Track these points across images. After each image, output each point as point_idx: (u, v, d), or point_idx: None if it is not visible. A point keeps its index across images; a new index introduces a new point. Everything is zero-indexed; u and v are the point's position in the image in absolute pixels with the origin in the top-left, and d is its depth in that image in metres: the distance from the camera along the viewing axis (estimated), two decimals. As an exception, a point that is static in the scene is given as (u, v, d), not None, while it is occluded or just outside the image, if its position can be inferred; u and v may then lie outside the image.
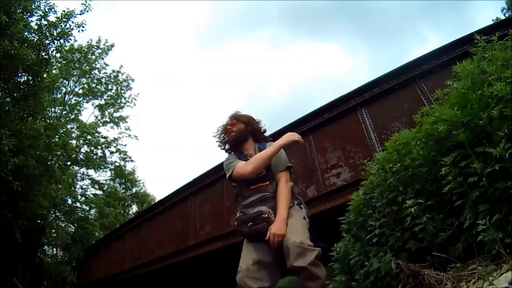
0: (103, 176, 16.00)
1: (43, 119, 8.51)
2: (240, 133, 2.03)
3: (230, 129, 2.05)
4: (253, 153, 1.98)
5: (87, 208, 15.08)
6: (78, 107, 14.91)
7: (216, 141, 2.11)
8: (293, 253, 1.56)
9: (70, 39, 7.83)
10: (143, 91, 42.64)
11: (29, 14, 7.30)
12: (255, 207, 1.76)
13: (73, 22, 7.57)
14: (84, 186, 15.58)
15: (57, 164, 9.18)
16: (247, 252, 1.76)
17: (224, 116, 2.20)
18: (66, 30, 7.42)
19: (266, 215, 1.71)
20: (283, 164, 1.94)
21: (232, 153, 2.06)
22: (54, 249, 12.46)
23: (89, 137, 14.60)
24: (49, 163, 8.25)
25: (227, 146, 2.10)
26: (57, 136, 8.82)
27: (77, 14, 7.65)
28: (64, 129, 10.37)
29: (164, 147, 42.50)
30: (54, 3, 7.56)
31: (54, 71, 11.74)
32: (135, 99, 16.00)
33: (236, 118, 2.08)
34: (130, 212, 17.48)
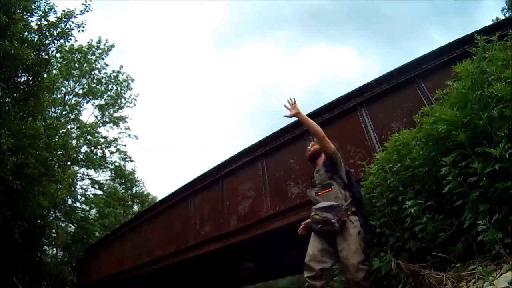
0: (103, 176, 16.01)
1: (43, 119, 8.50)
2: (315, 152, 2.76)
3: (310, 148, 2.84)
4: (320, 166, 2.65)
5: (87, 208, 15.06)
6: (78, 107, 14.90)
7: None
8: (352, 271, 2.24)
9: (70, 39, 7.80)
10: (150, 91, 42.80)
11: (29, 14, 7.28)
12: (324, 212, 2.35)
13: (73, 22, 7.56)
14: (84, 186, 15.59)
15: (57, 164, 9.17)
16: (314, 242, 2.41)
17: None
18: (66, 30, 7.40)
19: (333, 221, 2.29)
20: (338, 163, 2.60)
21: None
22: (54, 249, 12.45)
23: (89, 137, 14.58)
24: (49, 163, 8.23)
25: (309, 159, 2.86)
26: (57, 136, 8.80)
27: (77, 14, 7.63)
28: (64, 129, 10.32)
29: (164, 147, 42.53)
30: (54, 3, 7.56)
31: (54, 71, 11.72)
32: (135, 99, 16.02)
33: (315, 140, 2.81)
34: (130, 212, 17.46)
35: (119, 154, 15.83)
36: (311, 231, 2.52)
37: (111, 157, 15.71)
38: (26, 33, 6.92)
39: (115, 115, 15.75)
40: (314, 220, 2.40)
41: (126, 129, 15.83)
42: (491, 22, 5.03)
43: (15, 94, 7.27)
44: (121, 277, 9.10)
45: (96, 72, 15.05)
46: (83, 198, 15.30)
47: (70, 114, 14.47)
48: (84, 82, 14.85)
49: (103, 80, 15.24)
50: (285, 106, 2.66)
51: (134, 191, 17.99)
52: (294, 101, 2.62)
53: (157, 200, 11.98)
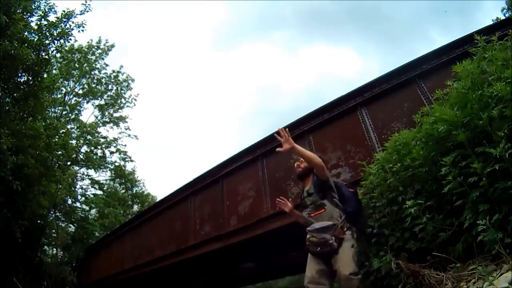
0: (103, 176, 16.00)
1: (43, 119, 8.49)
2: (304, 171, 2.73)
3: (299, 165, 2.78)
4: (309, 186, 2.63)
5: (87, 208, 15.06)
6: (78, 107, 14.89)
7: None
8: (344, 282, 2.19)
9: (70, 39, 7.80)
10: (150, 91, 42.90)
11: (29, 14, 7.28)
12: (321, 233, 2.35)
13: (73, 22, 7.55)
14: (84, 186, 15.57)
15: (57, 164, 9.17)
16: (311, 264, 2.39)
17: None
18: (66, 30, 7.40)
19: (331, 242, 2.29)
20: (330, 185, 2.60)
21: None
22: (54, 249, 12.45)
23: (89, 137, 14.57)
24: (49, 163, 8.23)
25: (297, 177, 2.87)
26: (57, 136, 8.80)
27: (77, 14, 7.63)
28: (64, 129, 10.31)
29: (164, 147, 42.54)
30: (54, 3, 7.55)
31: (54, 71, 11.70)
32: (135, 99, 16.01)
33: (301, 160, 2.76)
34: (130, 212, 17.46)
35: (119, 154, 15.83)
36: (308, 251, 2.47)
37: (111, 157, 15.72)
38: (26, 33, 6.91)
39: (115, 115, 15.76)
40: (311, 242, 2.38)
41: (126, 129, 15.85)
42: (491, 22, 5.03)
43: (15, 94, 7.26)
44: (121, 277, 9.10)
45: (96, 72, 15.06)
46: (83, 198, 15.31)
47: (70, 114, 14.47)
48: (84, 82, 14.85)
49: (103, 80, 15.24)
50: (276, 136, 2.47)
51: (134, 191, 17.98)
52: (287, 133, 2.43)
53: (157, 200, 11.98)
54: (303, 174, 2.73)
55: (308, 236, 2.42)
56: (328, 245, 2.30)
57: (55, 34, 7.28)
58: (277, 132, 2.43)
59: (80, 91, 14.83)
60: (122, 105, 15.83)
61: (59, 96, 13.48)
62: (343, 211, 2.46)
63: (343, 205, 2.50)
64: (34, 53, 6.91)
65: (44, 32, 7.19)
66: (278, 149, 2.47)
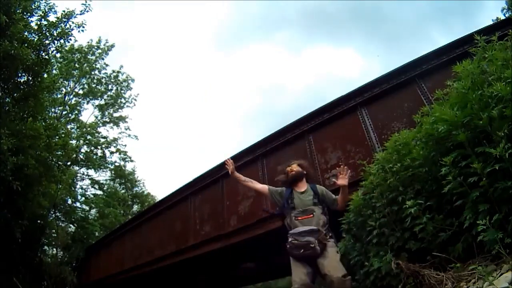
0: (103, 176, 16.02)
1: (43, 120, 8.49)
2: (299, 173, 2.72)
3: (292, 169, 2.75)
4: (304, 190, 2.62)
5: (87, 208, 15.07)
6: (78, 107, 14.90)
7: (280, 178, 2.87)
8: (337, 284, 2.19)
9: (70, 39, 7.80)
10: (151, 91, 42.97)
11: (29, 14, 7.28)
12: (305, 237, 2.35)
13: (73, 22, 7.56)
14: (84, 186, 15.59)
15: (57, 164, 9.17)
16: (298, 268, 2.37)
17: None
18: (66, 30, 7.40)
19: (314, 245, 2.31)
20: (332, 196, 2.68)
21: (286, 188, 2.72)
22: (54, 249, 12.45)
23: (89, 137, 14.59)
24: (49, 163, 8.23)
25: (287, 181, 2.76)
26: (57, 137, 8.80)
27: (77, 14, 7.63)
28: (64, 130, 10.32)
29: (164, 147, 42.55)
30: (54, 3, 7.56)
31: (54, 71, 11.72)
32: (135, 99, 16.04)
33: (297, 163, 2.82)
34: (130, 212, 17.46)
35: (119, 154, 15.85)
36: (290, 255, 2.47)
37: (111, 157, 15.75)
38: (26, 33, 6.91)
39: (115, 115, 15.79)
40: (294, 245, 2.38)
41: (126, 129, 15.88)
42: (491, 22, 5.03)
43: (15, 94, 7.26)
44: (121, 277, 9.10)
45: (96, 72, 15.09)
46: (83, 198, 15.32)
47: (70, 114, 14.48)
48: (84, 82, 14.86)
49: (103, 80, 15.26)
50: (333, 176, 2.64)
51: (134, 191, 17.99)
52: (347, 171, 2.60)
53: (157, 200, 11.99)
54: (297, 178, 2.71)
55: (290, 239, 2.42)
56: (311, 248, 2.31)
57: (55, 34, 7.28)
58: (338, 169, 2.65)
59: (80, 91, 14.86)
60: (122, 105, 15.87)
61: (59, 96, 13.49)
62: (328, 220, 2.53)
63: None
64: (34, 53, 6.92)
65: (44, 32, 7.19)
66: (334, 180, 2.67)
